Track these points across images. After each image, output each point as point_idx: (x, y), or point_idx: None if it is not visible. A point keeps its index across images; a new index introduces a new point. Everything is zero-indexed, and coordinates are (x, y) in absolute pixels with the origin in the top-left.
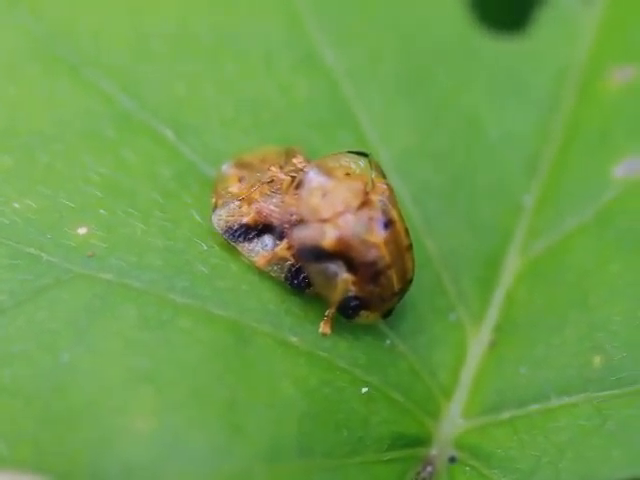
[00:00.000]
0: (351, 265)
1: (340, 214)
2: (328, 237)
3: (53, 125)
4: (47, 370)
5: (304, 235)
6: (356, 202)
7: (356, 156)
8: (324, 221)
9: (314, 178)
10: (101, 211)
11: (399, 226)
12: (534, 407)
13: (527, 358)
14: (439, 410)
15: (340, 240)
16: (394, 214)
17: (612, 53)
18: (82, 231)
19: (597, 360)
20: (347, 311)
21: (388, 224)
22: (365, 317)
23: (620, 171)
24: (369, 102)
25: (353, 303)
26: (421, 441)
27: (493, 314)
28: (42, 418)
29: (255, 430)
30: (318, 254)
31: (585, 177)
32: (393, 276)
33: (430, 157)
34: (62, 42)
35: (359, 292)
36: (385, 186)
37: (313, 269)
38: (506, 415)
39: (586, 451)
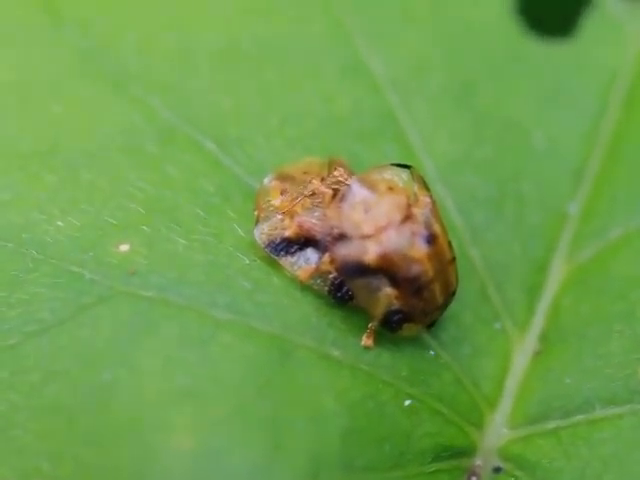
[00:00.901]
0: (394, 280)
1: (382, 229)
2: (371, 253)
3: (96, 142)
4: (89, 388)
5: (347, 251)
6: (399, 217)
7: (399, 169)
8: (367, 237)
9: (356, 192)
10: (143, 227)
11: (442, 240)
12: (579, 417)
13: (572, 368)
14: (483, 420)
15: (383, 256)
16: (437, 228)
17: None
18: (124, 248)
19: None
20: (390, 324)
21: (431, 238)
22: (408, 329)
23: None
24: (414, 111)
25: (396, 317)
26: (465, 452)
27: (538, 323)
28: (84, 435)
29: (296, 446)
30: (361, 270)
31: (632, 187)
32: (436, 290)
33: (475, 166)
34: (107, 58)
35: (402, 306)
36: (428, 199)
37: (356, 284)
38: (551, 425)
39: (631, 465)
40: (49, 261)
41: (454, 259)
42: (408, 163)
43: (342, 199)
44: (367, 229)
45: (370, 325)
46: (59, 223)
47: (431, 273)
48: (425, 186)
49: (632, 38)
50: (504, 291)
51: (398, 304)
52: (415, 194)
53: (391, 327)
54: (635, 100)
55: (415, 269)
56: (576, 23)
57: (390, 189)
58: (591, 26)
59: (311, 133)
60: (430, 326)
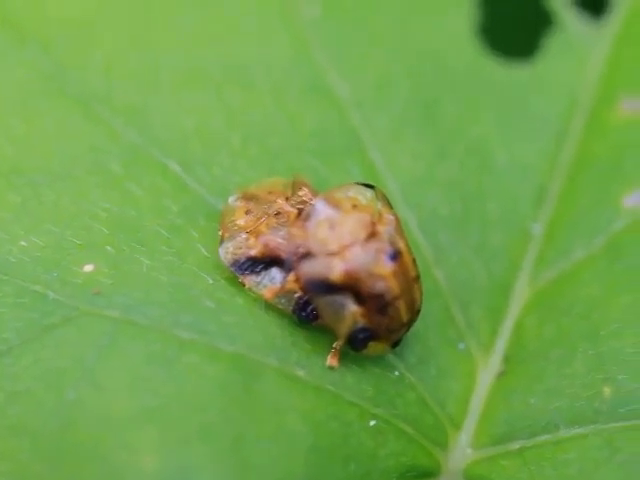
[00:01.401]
0: (359, 297)
1: (348, 247)
2: (336, 270)
3: (60, 162)
4: (53, 408)
5: (312, 268)
6: (363, 234)
7: (362, 187)
8: (332, 254)
9: (321, 210)
10: (107, 248)
11: (407, 257)
12: (544, 438)
13: (537, 389)
14: (448, 441)
15: (348, 273)
16: (401, 245)
17: (622, 83)
18: (88, 268)
19: (607, 391)
20: (356, 343)
21: (395, 255)
22: (374, 348)
23: (630, 201)
24: (377, 131)
25: (362, 335)
26: (430, 472)
27: (502, 344)
28: (48, 456)
29: (262, 466)
30: (326, 287)
31: (595, 207)
32: (402, 307)
33: (439, 186)
34: (71, 77)
35: (367, 323)
36: (392, 217)
37: (321, 302)
38: (515, 446)
39: None
40: (13, 281)
41: (419, 276)
42: (371, 183)
43: (307, 217)
44: (332, 246)
45: (334, 345)
46: (22, 243)
47: (396, 290)
48: (388, 204)
49: (593, 57)
50: (468, 312)
51: (363, 322)
52: (379, 212)
53: (356, 346)
54: (597, 121)
55: (380, 286)
56: (538, 44)
57: (354, 207)
58: (552, 46)
59: (275, 153)
60: (395, 345)
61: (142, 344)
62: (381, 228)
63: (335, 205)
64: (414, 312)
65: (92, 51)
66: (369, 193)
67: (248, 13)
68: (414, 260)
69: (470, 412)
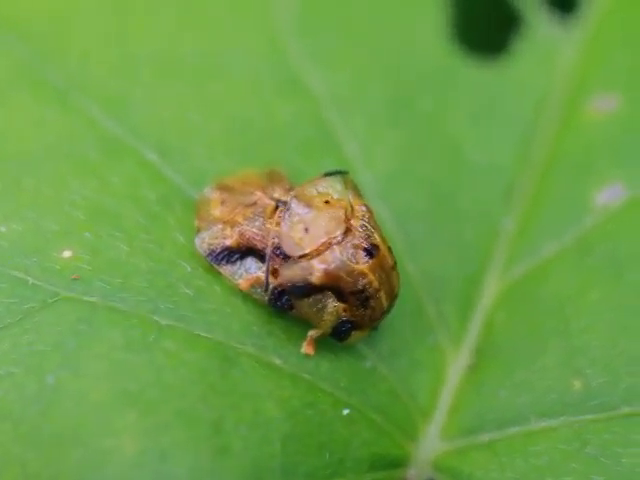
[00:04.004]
0: (341, 294)
1: (325, 247)
2: (316, 272)
3: (39, 149)
4: (33, 393)
5: (292, 272)
6: (339, 231)
7: (332, 179)
8: (310, 256)
9: (294, 211)
10: (86, 234)
11: (383, 248)
12: (514, 430)
13: (507, 382)
14: (417, 432)
15: (328, 274)
16: (377, 237)
17: (593, 82)
18: (67, 254)
19: (577, 385)
20: (339, 334)
21: (373, 250)
22: (356, 337)
23: (601, 198)
24: (353, 126)
25: (345, 327)
26: (400, 462)
27: (472, 337)
28: (29, 441)
29: (240, 451)
30: (308, 289)
31: (565, 203)
32: (382, 297)
33: (413, 181)
34: (49, 65)
35: (350, 316)
36: (364, 208)
37: (304, 303)
38: (485, 438)
39: (565, 475)
40: None
41: (395, 264)
42: (341, 169)
43: (282, 218)
44: (309, 248)
45: (310, 333)
46: (2, 229)
47: (376, 283)
48: (359, 194)
49: (563, 57)
50: (440, 305)
51: (346, 315)
52: (351, 204)
53: (340, 337)
54: (569, 120)
55: (361, 282)
56: (509, 43)
57: (327, 203)
58: (523, 46)
59: (251, 145)
60: (374, 329)
61: (121, 329)
62: (355, 222)
63: (307, 204)
64: (393, 298)
65: (69, 41)
66: (339, 185)
67: (226, 7)
68: (390, 249)
69: (440, 404)
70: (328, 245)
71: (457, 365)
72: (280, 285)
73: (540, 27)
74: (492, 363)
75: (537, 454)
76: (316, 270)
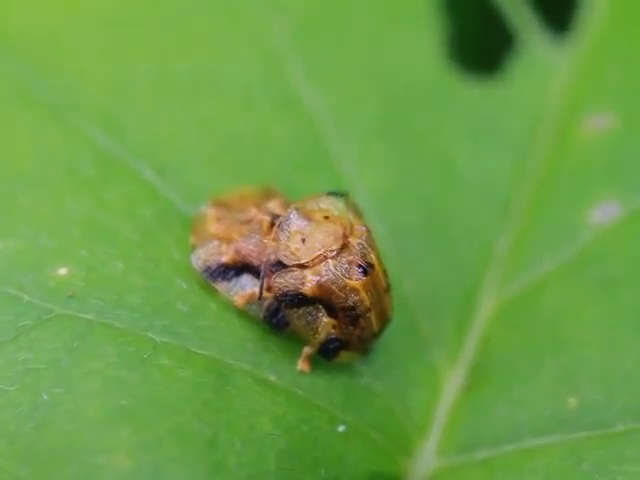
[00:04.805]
0: (331, 309)
1: (320, 259)
2: (308, 283)
3: (35, 167)
4: (28, 410)
5: (284, 281)
6: (335, 246)
7: (334, 197)
8: (304, 267)
9: (293, 222)
10: (81, 251)
11: (378, 269)
12: (509, 447)
13: (502, 399)
14: (413, 448)
15: (320, 286)
16: (373, 257)
17: (588, 99)
18: (62, 271)
19: (572, 402)
20: (327, 352)
21: (367, 268)
22: (344, 357)
23: (596, 216)
24: (348, 143)
25: (333, 345)
26: (395, 479)
27: (468, 355)
28: (24, 457)
29: (234, 467)
30: (299, 299)
31: (560, 221)
32: (373, 318)
33: (408, 198)
34: (44, 84)
35: (339, 334)
36: (364, 228)
37: (294, 313)
38: (481, 455)
39: None
40: None
41: (389, 287)
42: (343, 190)
43: (279, 228)
44: (304, 259)
45: (305, 350)
46: None
47: (368, 302)
48: (360, 214)
49: (558, 75)
50: (435, 322)
51: (335, 332)
52: (351, 223)
53: (328, 355)
54: (564, 138)
55: (352, 298)
56: (504, 61)
57: (326, 218)
58: (519, 63)
59: (247, 161)
60: (365, 353)
61: (116, 346)
62: (353, 240)
63: (307, 216)
64: (385, 321)
65: (64, 58)
66: (341, 204)
67: (222, 24)
68: (385, 271)
69: (436, 421)
70: (323, 258)
71: (453, 382)
72: (274, 297)
73: (535, 46)
74: (488, 380)
75: (533, 471)
76: (308, 281)
